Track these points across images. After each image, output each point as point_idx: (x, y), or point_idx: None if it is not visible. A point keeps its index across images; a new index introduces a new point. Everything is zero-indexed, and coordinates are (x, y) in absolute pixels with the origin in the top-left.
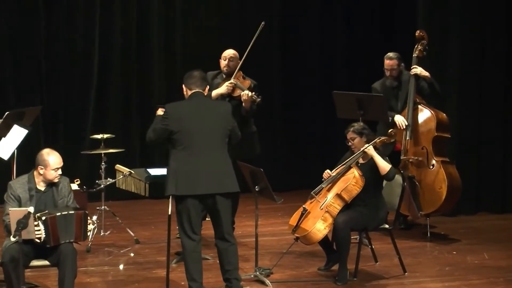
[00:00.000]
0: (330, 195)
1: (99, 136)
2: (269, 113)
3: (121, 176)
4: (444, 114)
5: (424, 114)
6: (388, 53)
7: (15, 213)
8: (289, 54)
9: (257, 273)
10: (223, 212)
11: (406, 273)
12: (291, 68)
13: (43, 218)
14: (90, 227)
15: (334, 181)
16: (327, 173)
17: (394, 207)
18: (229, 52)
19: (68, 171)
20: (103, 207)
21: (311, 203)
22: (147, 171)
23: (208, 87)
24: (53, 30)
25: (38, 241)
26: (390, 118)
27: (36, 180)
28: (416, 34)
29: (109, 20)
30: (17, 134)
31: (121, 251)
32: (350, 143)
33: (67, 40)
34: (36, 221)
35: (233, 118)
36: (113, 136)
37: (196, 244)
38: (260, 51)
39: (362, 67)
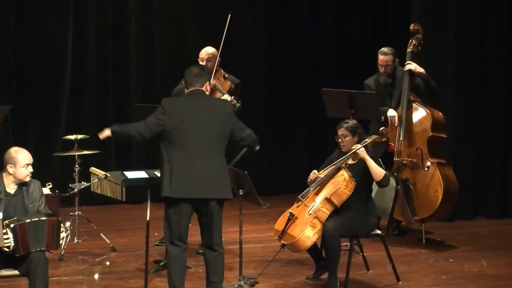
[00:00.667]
0: (319, 199)
1: (72, 137)
2: (254, 113)
3: (96, 180)
4: (440, 113)
5: (419, 113)
6: (382, 48)
7: None
8: (275, 49)
9: (241, 282)
10: (215, 220)
11: (399, 282)
12: (277, 64)
13: (12, 225)
14: (63, 234)
15: (322, 183)
16: (314, 173)
17: (387, 212)
18: (206, 52)
19: (39, 174)
20: (76, 212)
21: (298, 207)
22: (124, 174)
23: (208, 82)
24: (24, 27)
25: (7, 250)
26: (383, 118)
27: (5, 182)
28: (411, 28)
29: (84, 18)
30: None
31: (96, 260)
32: (340, 140)
33: (39, 37)
34: (4, 228)
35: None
36: (88, 136)
37: (182, 251)
38: (244, 46)
39: (353, 63)
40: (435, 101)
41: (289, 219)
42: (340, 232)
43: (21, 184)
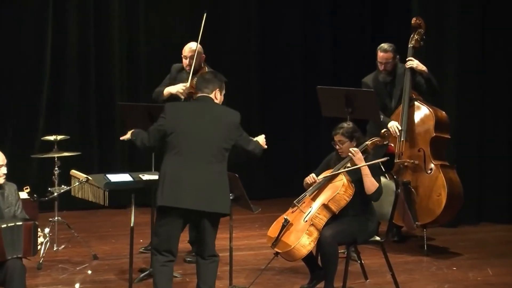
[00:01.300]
0: (316, 206)
1: (51, 138)
2: (244, 112)
3: (77, 183)
4: (444, 112)
5: (421, 112)
6: (382, 45)
7: None
8: (268, 45)
9: None
10: (208, 233)
11: None
12: (270, 60)
13: None
14: (41, 240)
15: (319, 188)
16: (311, 177)
17: (386, 217)
18: (188, 49)
19: (16, 177)
20: (56, 218)
21: (293, 212)
22: (107, 177)
23: (218, 88)
24: None
25: None
26: (382, 116)
27: None
28: (412, 22)
29: (63, 15)
30: None
31: (77, 268)
32: (337, 147)
33: (15, 33)
34: None
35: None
36: (68, 137)
37: (169, 261)
38: (234, 43)
39: (350, 59)
40: (436, 101)
41: (283, 226)
42: (337, 239)
43: None
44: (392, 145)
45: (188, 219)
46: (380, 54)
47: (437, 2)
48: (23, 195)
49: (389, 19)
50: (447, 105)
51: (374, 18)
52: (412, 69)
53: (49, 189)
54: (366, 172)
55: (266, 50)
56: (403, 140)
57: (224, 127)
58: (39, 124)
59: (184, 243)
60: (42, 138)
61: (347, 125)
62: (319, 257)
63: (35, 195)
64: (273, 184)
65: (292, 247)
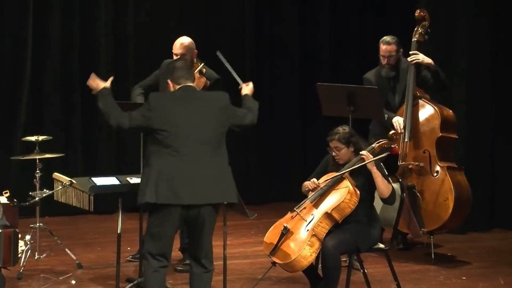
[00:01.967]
0: (318, 214)
1: (33, 138)
2: None
3: (60, 187)
4: (450, 111)
5: (426, 110)
6: (385, 37)
7: None
8: (263, 39)
9: None
10: (206, 229)
11: None
12: (265, 55)
13: None
14: (22, 248)
15: (322, 194)
16: (313, 182)
17: (391, 223)
18: (179, 44)
19: None
20: (38, 224)
21: (292, 218)
22: (92, 181)
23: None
24: None
25: None
26: (386, 116)
27: None
28: (416, 14)
29: (45, 10)
30: None
31: (60, 278)
32: (334, 153)
33: None
34: None
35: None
36: (50, 138)
37: (162, 266)
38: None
39: (351, 54)
40: (444, 98)
41: (282, 234)
42: (340, 250)
43: None
44: (396, 146)
45: (186, 218)
46: (382, 47)
47: None
48: (2, 199)
49: (392, 12)
50: (456, 101)
51: (375, 12)
52: (416, 65)
53: (30, 193)
54: (377, 178)
55: (261, 45)
56: (407, 141)
57: (216, 111)
58: (19, 124)
59: (175, 251)
60: (22, 139)
61: (343, 129)
62: (319, 266)
63: (15, 200)
64: (269, 188)
65: (293, 258)
